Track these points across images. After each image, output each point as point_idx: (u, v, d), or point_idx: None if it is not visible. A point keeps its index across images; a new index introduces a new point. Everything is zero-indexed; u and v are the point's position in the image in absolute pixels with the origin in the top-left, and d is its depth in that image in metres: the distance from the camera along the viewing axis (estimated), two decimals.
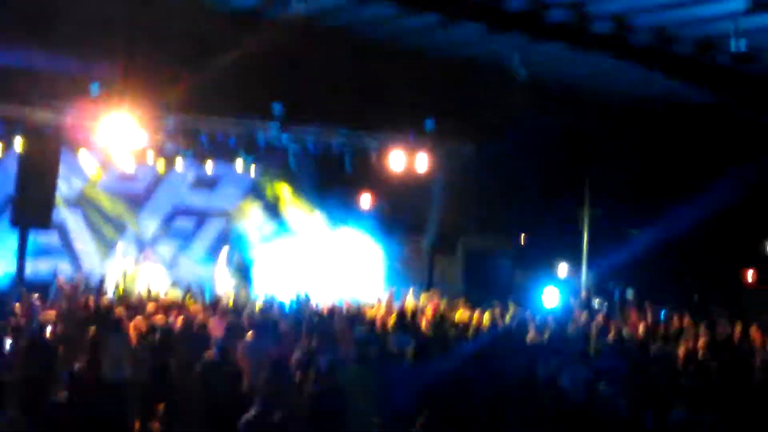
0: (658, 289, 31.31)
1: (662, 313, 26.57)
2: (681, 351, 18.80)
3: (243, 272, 30.72)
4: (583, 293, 32.35)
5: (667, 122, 34.04)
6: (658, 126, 34.21)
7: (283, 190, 34.63)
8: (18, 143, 28.41)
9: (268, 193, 34.84)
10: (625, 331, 21.10)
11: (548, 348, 18.26)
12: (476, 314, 23.53)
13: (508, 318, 23.15)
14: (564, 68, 31.27)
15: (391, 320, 21.06)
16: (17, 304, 20.05)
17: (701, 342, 19.37)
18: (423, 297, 29.46)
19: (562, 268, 35.44)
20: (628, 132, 34.80)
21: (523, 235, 37.49)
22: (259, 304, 23.84)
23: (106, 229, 33.13)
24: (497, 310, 24.58)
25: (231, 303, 23.61)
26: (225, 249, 31.30)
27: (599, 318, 23.99)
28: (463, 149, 32.84)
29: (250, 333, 17.27)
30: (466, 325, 21.65)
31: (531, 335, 20.74)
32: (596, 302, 30.42)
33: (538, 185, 34.86)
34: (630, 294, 28.28)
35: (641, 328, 21.65)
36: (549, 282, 32.14)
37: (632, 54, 27.03)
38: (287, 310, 23.15)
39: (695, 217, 31.16)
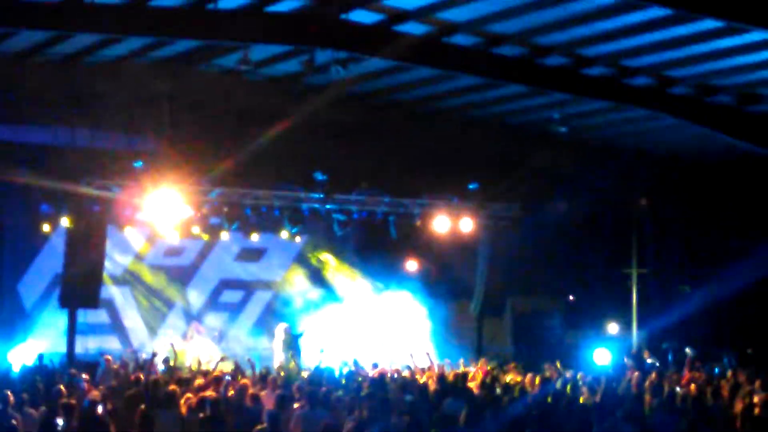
0: (712, 347, 30.97)
1: (716, 370, 26.26)
2: (737, 407, 18.52)
3: (291, 342, 30.61)
4: (635, 352, 32.03)
5: (717, 178, 33.79)
6: (707, 182, 33.98)
7: (329, 257, 34.61)
8: (65, 221, 28.59)
9: (314, 261, 34.82)
10: (680, 389, 20.83)
11: (601, 408, 18.03)
12: (527, 376, 23.34)
13: (559, 379, 22.92)
14: (607, 126, 31.24)
15: (442, 385, 20.91)
16: (64, 384, 20.06)
17: (758, 398, 19.06)
18: (472, 361, 29.26)
19: (612, 328, 35.14)
20: (675, 189, 34.61)
21: (571, 295, 37.23)
22: (308, 374, 23.75)
23: (154, 305, 33.18)
24: (548, 372, 24.35)
25: (281, 374, 23.51)
26: (281, 325, 31.18)
27: (652, 376, 23.70)
28: (509, 211, 32.73)
29: (301, 403, 17.18)
30: (517, 388, 21.47)
31: (583, 396, 20.54)
32: (649, 360, 30.06)
33: (586, 245, 34.68)
34: (689, 351, 27.98)
35: (695, 385, 21.35)
36: (599, 341, 31.84)
37: (672, 106, 26.93)
38: (337, 378, 23.03)
39: (747, 274, 30.85)
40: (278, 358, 30.25)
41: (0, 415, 16.02)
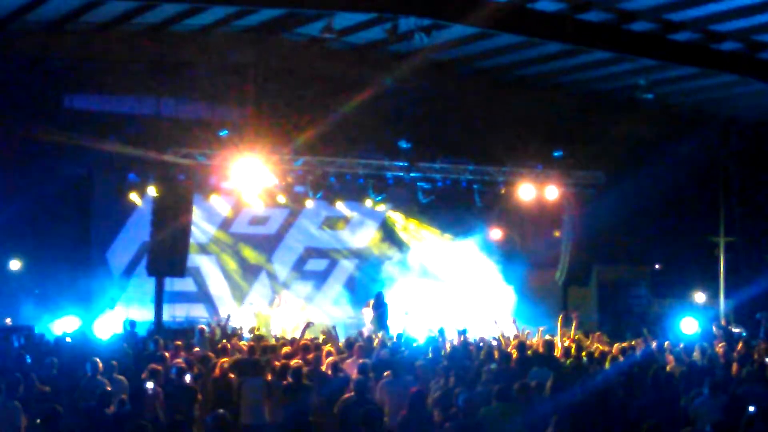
0: None
1: None
2: None
3: (377, 310, 30.64)
4: (723, 321, 31.66)
5: None
6: None
7: (413, 226, 34.57)
8: (152, 190, 28.85)
9: (399, 230, 34.81)
10: None
11: (688, 377, 17.85)
12: (613, 345, 23.15)
13: (645, 348, 22.71)
14: (694, 93, 30.83)
15: (527, 354, 20.81)
16: (152, 352, 20.27)
17: None
18: (559, 329, 29.12)
19: (699, 297, 34.76)
20: (763, 155, 34.10)
21: (657, 264, 36.89)
22: (392, 342, 23.77)
23: (240, 273, 33.41)
24: (634, 341, 24.14)
25: (367, 343, 23.55)
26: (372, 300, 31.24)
27: (740, 346, 23.40)
28: (594, 179, 32.45)
29: (387, 372, 17.19)
30: (603, 356, 21.30)
31: (670, 365, 20.33)
32: (736, 330, 29.70)
33: (672, 213, 34.32)
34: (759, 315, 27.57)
35: None
36: (686, 311, 31.48)
37: (761, 71, 26.49)
38: (423, 347, 23.02)
39: None
40: (367, 326, 30.34)
41: (89, 381, 16.24)
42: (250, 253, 33.51)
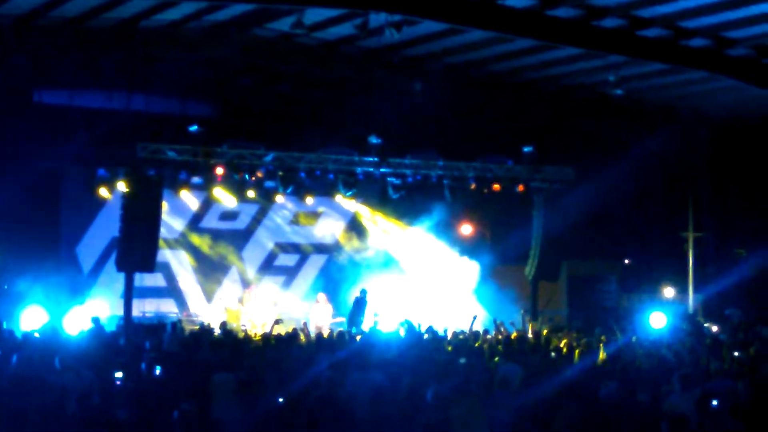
0: None
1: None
2: None
3: (355, 305, 30.73)
4: (691, 316, 31.88)
5: None
6: (765, 144, 33.60)
7: (383, 221, 34.59)
8: (121, 185, 28.80)
9: (369, 225, 34.81)
10: (737, 354, 20.66)
11: (657, 372, 17.94)
12: (582, 340, 23.26)
13: (614, 343, 22.82)
14: (663, 89, 30.95)
15: (496, 348, 20.89)
16: (121, 347, 20.25)
17: None
18: (529, 324, 29.21)
19: (668, 291, 34.96)
20: (732, 151, 34.28)
21: (627, 259, 37.06)
22: (363, 337, 23.81)
23: (210, 269, 33.38)
24: (603, 335, 24.26)
25: (338, 336, 23.58)
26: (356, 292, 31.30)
27: (709, 340, 23.55)
28: (564, 174, 32.56)
29: (357, 365, 17.21)
30: (573, 351, 21.40)
31: (639, 360, 20.43)
32: (705, 325, 29.90)
33: (641, 208, 34.47)
34: (736, 316, 27.84)
35: (752, 349, 21.17)
36: (655, 305, 31.64)
37: (730, 67, 26.61)
38: (393, 341, 23.06)
39: None
40: (314, 321, 30.45)
41: (58, 377, 16.20)
42: (220, 249, 33.47)
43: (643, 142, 32.46)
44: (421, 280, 33.38)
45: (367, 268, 33.58)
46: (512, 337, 24.36)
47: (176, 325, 24.87)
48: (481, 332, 25.07)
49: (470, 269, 33.91)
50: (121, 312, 28.73)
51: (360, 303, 30.80)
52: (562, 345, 22.63)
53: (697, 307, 33.75)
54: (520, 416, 13.63)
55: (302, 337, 23.59)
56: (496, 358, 19.32)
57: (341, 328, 27.75)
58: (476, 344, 22.26)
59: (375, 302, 30.82)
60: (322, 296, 32.01)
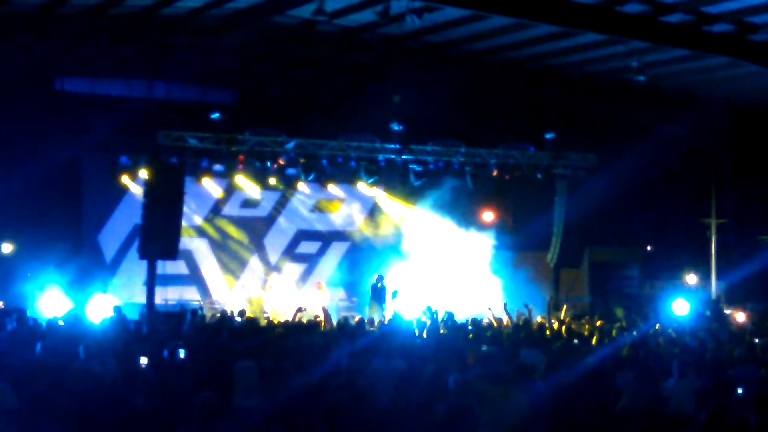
0: None
1: None
2: None
3: (373, 292, 30.73)
4: (712, 304, 31.77)
5: None
6: None
7: (405, 208, 34.53)
8: (143, 173, 28.86)
9: (391, 212, 34.77)
10: (758, 340, 20.57)
11: (679, 358, 17.88)
12: (605, 326, 23.21)
13: (636, 330, 22.75)
14: (686, 75, 30.79)
15: (518, 335, 20.85)
16: (144, 334, 20.28)
17: None
18: (551, 311, 29.15)
19: (691, 278, 34.85)
20: (755, 137, 34.11)
21: (649, 245, 36.96)
22: (386, 323, 23.81)
23: (232, 256, 33.42)
24: (625, 321, 24.20)
25: (360, 323, 23.59)
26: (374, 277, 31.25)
27: (731, 327, 23.48)
28: (586, 161, 32.48)
29: (379, 353, 17.21)
30: (594, 338, 21.34)
31: (661, 347, 20.37)
32: (728, 312, 29.80)
33: (663, 195, 34.35)
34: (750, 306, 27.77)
35: None
36: (678, 292, 31.53)
37: (753, 53, 26.43)
38: (415, 328, 23.05)
39: None
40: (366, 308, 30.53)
41: (82, 364, 16.22)
42: (242, 236, 33.52)
43: (666, 128, 32.34)
44: (444, 267, 33.31)
45: (389, 254, 33.52)
46: (534, 323, 24.35)
47: (196, 313, 24.93)
48: (504, 319, 25.05)
49: (493, 256, 33.82)
50: (143, 300, 28.82)
51: (378, 290, 30.81)
52: (584, 331, 22.60)
53: (720, 294, 33.63)
54: (543, 403, 13.58)
55: (323, 324, 23.62)
56: (516, 348, 19.28)
57: (359, 316, 27.73)
58: (498, 331, 22.24)
59: (395, 288, 30.80)
60: (322, 284, 32.08)
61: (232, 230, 33.41)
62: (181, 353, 16.51)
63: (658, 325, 23.80)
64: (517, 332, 21.10)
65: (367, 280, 32.07)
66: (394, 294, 29.84)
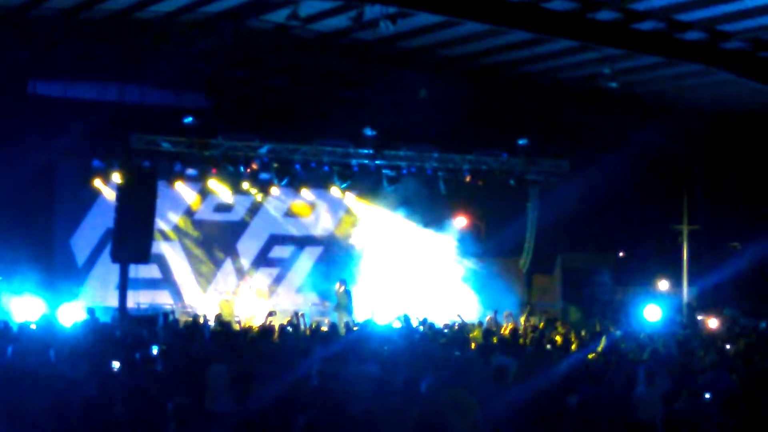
0: (763, 304, 30.89)
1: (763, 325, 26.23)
2: None
3: (344, 298, 30.73)
4: (685, 309, 31.93)
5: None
6: (759, 137, 33.64)
7: (378, 213, 34.54)
8: (116, 176, 28.81)
9: (363, 217, 34.79)
10: (729, 347, 20.71)
11: (651, 365, 17.96)
12: (576, 332, 23.32)
13: (607, 336, 22.85)
14: (658, 82, 30.95)
15: (491, 341, 20.92)
16: (117, 338, 20.25)
17: None
18: (523, 317, 29.24)
19: (663, 284, 35.02)
20: (727, 144, 34.31)
21: (621, 251, 37.12)
22: (357, 328, 23.84)
23: (205, 260, 33.40)
24: (597, 328, 24.31)
25: (331, 329, 23.61)
26: (338, 284, 31.19)
27: (703, 333, 23.61)
28: (558, 167, 32.59)
29: (352, 358, 17.22)
30: (567, 344, 21.44)
31: (632, 352, 20.46)
32: (700, 318, 29.96)
33: (635, 201, 34.48)
34: (728, 312, 27.93)
35: (742, 343, 21.19)
36: (650, 298, 31.68)
37: (725, 61, 26.62)
38: (387, 333, 23.09)
39: None
40: (333, 313, 30.48)
41: (53, 369, 16.18)
42: (214, 240, 33.49)
43: (638, 135, 32.48)
44: (416, 272, 33.36)
45: (361, 259, 33.57)
46: (505, 329, 24.43)
47: (167, 317, 24.88)
48: (476, 324, 25.13)
49: (465, 261, 33.93)
50: (116, 303, 28.76)
51: (342, 295, 30.80)
52: (556, 337, 22.69)
53: (691, 300, 33.79)
54: (515, 408, 13.63)
55: (302, 327, 23.65)
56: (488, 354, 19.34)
57: (330, 320, 27.72)
58: (470, 335, 22.32)
59: (369, 293, 30.85)
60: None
61: (205, 234, 33.37)
62: (155, 350, 16.50)
63: (618, 332, 23.87)
64: (489, 337, 21.16)
65: (344, 283, 32.07)
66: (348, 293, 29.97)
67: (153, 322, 24.68)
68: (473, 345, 20.49)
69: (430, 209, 33.89)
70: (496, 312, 27.46)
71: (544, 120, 32.49)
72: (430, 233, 34.00)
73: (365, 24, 23.27)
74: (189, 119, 28.89)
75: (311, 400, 14.55)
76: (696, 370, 17.19)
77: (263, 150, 29.94)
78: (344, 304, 30.38)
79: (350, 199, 34.40)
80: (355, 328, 24.18)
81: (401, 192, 32.80)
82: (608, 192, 32.73)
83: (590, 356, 19.41)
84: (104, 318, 25.65)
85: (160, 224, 31.43)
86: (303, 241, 35.01)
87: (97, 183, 30.24)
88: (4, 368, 16.31)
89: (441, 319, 26.90)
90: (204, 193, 32.54)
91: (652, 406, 13.98)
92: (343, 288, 30.78)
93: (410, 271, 33.43)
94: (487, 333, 22.11)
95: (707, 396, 14.05)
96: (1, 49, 26.90)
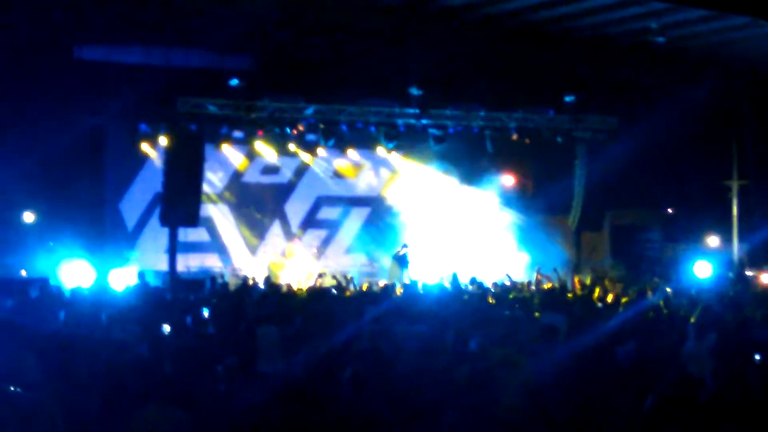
0: None
1: None
2: None
3: (398, 259, 30.78)
4: (736, 265, 31.68)
5: None
6: None
7: (425, 172, 34.49)
8: (163, 140, 28.90)
9: (411, 177, 34.75)
10: None
11: (701, 322, 17.85)
12: (627, 290, 23.20)
13: (658, 292, 22.72)
14: (706, 36, 30.58)
15: (540, 298, 20.87)
16: (168, 301, 20.37)
17: None
18: (572, 274, 29.16)
19: (713, 241, 34.75)
20: None
21: (670, 208, 36.86)
22: (409, 288, 23.85)
23: (253, 223, 33.49)
24: (647, 285, 24.18)
25: (383, 290, 23.63)
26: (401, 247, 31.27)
27: (754, 289, 23.42)
28: (606, 123, 32.36)
29: (402, 318, 17.24)
30: (615, 301, 21.34)
31: (683, 308, 20.35)
32: (751, 273, 29.71)
33: (684, 157, 34.21)
34: None
35: None
36: (699, 255, 31.46)
37: None
38: (437, 292, 23.09)
39: None
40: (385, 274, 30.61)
41: (106, 332, 16.31)
42: (262, 202, 33.56)
43: (686, 90, 32.16)
44: (463, 231, 33.32)
45: (410, 219, 33.56)
46: (548, 286, 24.36)
47: (215, 280, 24.95)
48: (525, 283, 25.07)
49: (514, 220, 33.86)
50: (165, 267, 28.92)
51: (401, 258, 30.85)
52: (606, 295, 22.58)
53: (742, 257, 33.52)
54: (565, 365, 13.60)
55: (350, 289, 23.70)
56: (537, 312, 19.29)
57: (383, 281, 27.75)
58: (520, 295, 22.25)
59: (418, 254, 30.86)
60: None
61: (253, 197, 33.45)
62: (205, 313, 16.59)
63: (679, 287, 23.73)
64: (539, 295, 21.11)
65: (389, 244, 32.10)
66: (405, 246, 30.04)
67: (203, 285, 24.81)
68: (521, 304, 20.45)
69: (477, 168, 33.80)
70: (539, 269, 27.43)
71: (590, 77, 32.24)
72: (476, 191, 33.93)
73: None
74: (235, 82, 28.91)
75: (362, 359, 14.59)
76: (747, 326, 17.05)
77: (309, 111, 29.93)
78: (403, 266, 30.48)
79: (396, 159, 34.34)
80: (400, 289, 24.21)
81: (448, 151, 32.70)
82: (656, 148, 32.47)
83: (640, 312, 19.30)
84: (154, 282, 25.84)
85: (207, 188, 31.50)
86: (350, 202, 35.02)
87: (145, 147, 30.39)
88: (57, 333, 16.45)
89: (489, 277, 26.87)
90: (251, 156, 32.59)
91: (702, 361, 13.90)
92: (405, 251, 30.84)
93: (458, 229, 33.40)
94: (537, 291, 22.05)
95: (757, 352, 13.92)
96: (46, 14, 26.98)
